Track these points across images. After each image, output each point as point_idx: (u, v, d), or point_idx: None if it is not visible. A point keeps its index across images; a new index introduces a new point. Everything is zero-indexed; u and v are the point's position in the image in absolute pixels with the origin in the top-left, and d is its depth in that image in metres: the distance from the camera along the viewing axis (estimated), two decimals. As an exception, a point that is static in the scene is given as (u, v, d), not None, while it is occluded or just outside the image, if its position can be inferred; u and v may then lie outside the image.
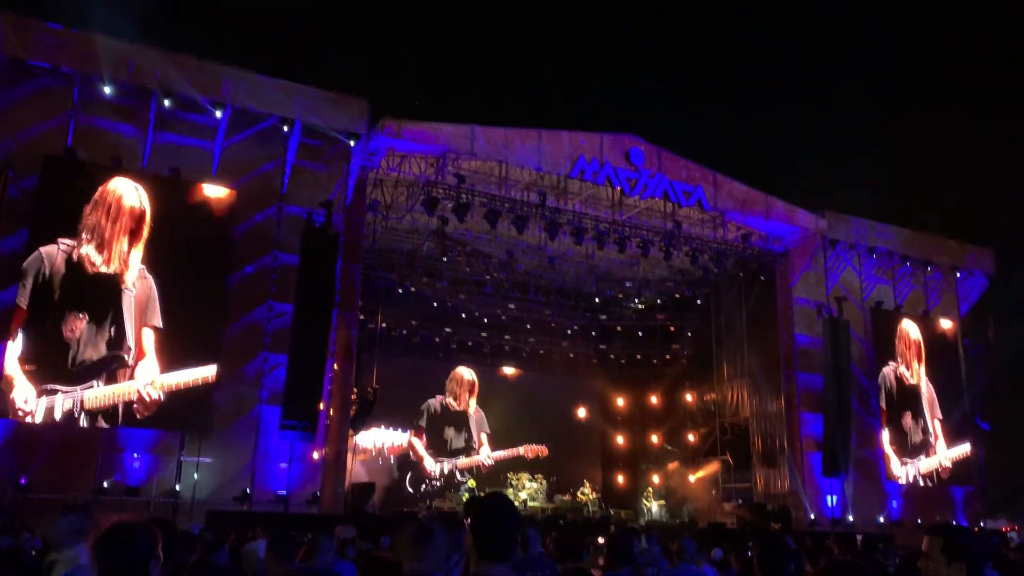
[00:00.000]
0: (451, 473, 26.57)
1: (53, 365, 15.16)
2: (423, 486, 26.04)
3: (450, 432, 27.32)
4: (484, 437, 27.45)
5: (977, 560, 3.30)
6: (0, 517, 11.34)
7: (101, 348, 15.54)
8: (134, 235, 16.17)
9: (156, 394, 15.79)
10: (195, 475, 16.14)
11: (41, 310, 15.21)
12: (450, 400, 27.48)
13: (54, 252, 15.48)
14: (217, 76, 17.28)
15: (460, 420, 27.54)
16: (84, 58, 16.05)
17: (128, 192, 16.30)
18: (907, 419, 24.42)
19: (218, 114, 17.08)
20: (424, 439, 26.68)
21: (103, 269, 15.78)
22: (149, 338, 16.12)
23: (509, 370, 29.31)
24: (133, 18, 16.50)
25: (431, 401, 27.28)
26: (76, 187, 15.96)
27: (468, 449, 27.22)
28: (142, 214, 16.30)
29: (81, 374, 15.32)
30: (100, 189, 16.10)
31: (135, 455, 15.90)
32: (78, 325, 15.38)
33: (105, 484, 15.36)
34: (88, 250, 15.69)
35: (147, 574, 2.95)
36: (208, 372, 16.33)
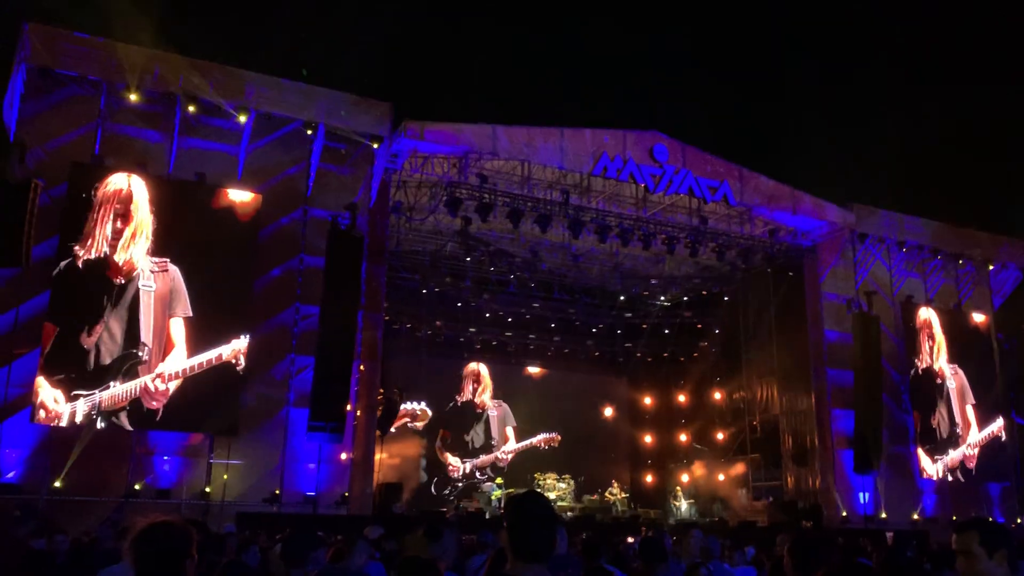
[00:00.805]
0: (471, 472, 26.59)
1: (75, 373, 15.30)
2: (447, 488, 26.09)
3: (472, 430, 27.40)
4: (510, 431, 27.45)
5: (1016, 551, 3.23)
6: (33, 520, 11.50)
7: (115, 349, 15.66)
8: (124, 219, 16.05)
9: (163, 386, 15.82)
10: (224, 477, 16.27)
11: (60, 321, 15.37)
12: (466, 396, 27.58)
13: (68, 261, 15.61)
14: (240, 81, 17.41)
15: (479, 417, 27.61)
16: (110, 66, 16.23)
17: (115, 182, 16.20)
18: (939, 415, 24.06)
19: (242, 119, 17.19)
20: (447, 440, 26.78)
21: (110, 268, 15.83)
22: (179, 328, 16.19)
23: (534, 369, 29.28)
24: (156, 25, 16.65)
25: (453, 401, 27.41)
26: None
27: (488, 447, 27.27)
28: (128, 197, 16.16)
29: (99, 376, 15.43)
30: (95, 191, 16.03)
31: (165, 458, 16.06)
32: (95, 330, 15.51)
33: (136, 487, 15.52)
34: (91, 253, 15.76)
35: (183, 573, 2.96)
36: (225, 351, 16.29)
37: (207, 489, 16.15)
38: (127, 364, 15.73)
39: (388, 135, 18.50)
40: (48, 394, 15.05)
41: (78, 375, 15.31)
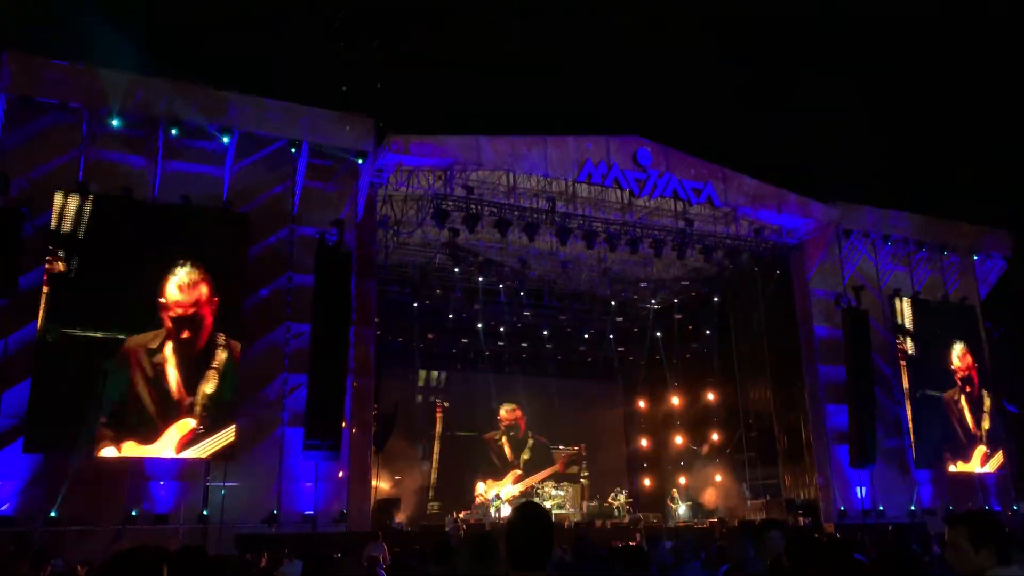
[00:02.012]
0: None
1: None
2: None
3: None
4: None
5: (1005, 544, 3.26)
6: (29, 549, 11.44)
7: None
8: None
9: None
10: (222, 500, 16.19)
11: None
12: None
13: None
14: (222, 102, 17.41)
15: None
16: (91, 92, 16.20)
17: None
18: (932, 405, 24.21)
19: (225, 140, 17.20)
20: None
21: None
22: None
23: (528, 377, 29.29)
24: (136, 49, 16.65)
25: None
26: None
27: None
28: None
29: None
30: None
31: (161, 482, 15.97)
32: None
33: (134, 512, 15.43)
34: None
35: None
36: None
37: (205, 512, 16.06)
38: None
39: (372, 150, 18.54)
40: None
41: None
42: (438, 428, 27.15)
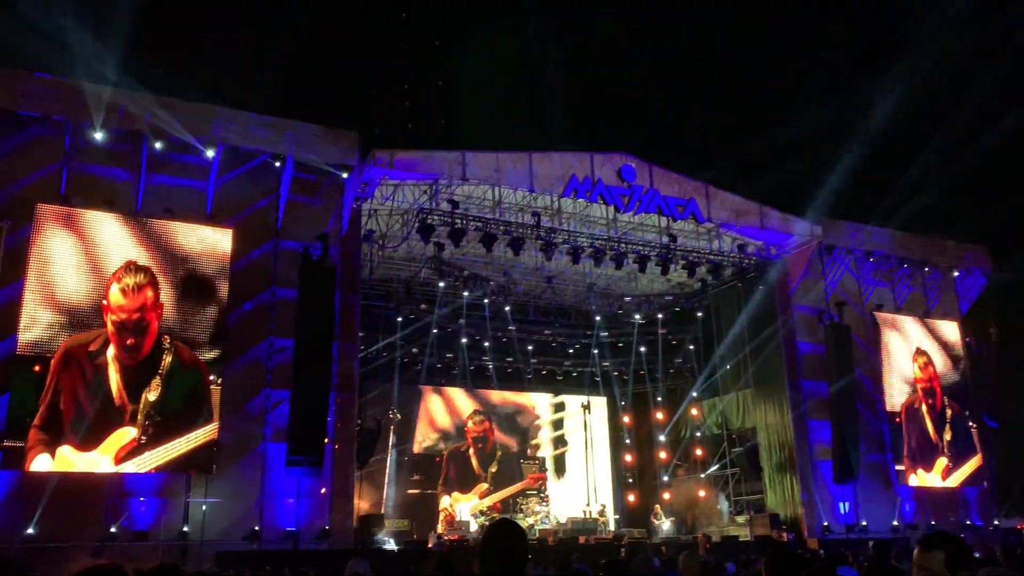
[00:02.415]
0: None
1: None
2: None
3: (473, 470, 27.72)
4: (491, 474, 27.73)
5: (977, 566, 3.27)
6: (7, 567, 11.26)
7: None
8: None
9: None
10: (203, 516, 16.03)
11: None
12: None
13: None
14: (206, 116, 17.36)
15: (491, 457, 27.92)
16: (74, 105, 16.11)
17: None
18: (915, 421, 24.38)
19: (209, 153, 17.15)
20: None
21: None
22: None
23: (513, 392, 29.23)
24: (120, 62, 16.58)
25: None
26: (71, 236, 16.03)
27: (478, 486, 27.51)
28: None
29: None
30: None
31: (141, 499, 15.80)
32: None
33: (113, 530, 15.25)
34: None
35: None
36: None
37: (185, 529, 15.90)
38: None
39: (357, 164, 18.52)
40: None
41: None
42: (391, 440, 26.26)
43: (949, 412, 25.11)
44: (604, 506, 26.84)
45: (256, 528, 16.27)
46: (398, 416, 26.14)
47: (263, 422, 17.02)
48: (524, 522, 23.99)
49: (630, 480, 30.03)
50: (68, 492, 14.96)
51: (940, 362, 25.49)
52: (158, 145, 16.73)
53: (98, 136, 16.33)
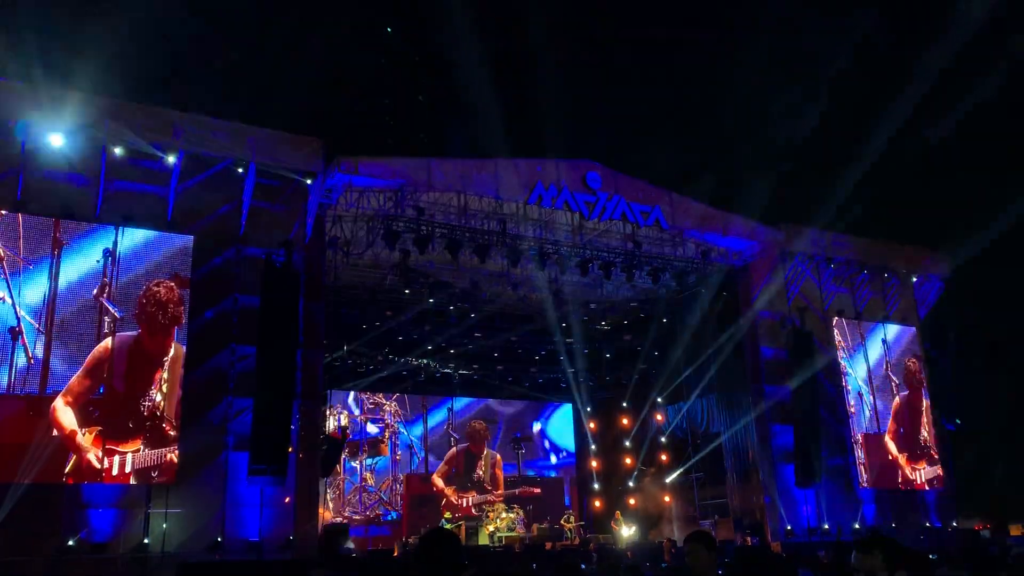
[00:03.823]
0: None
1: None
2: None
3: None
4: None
5: (911, 562, 3.35)
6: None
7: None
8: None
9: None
10: (164, 528, 15.77)
11: None
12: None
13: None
14: (167, 121, 17.11)
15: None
16: (31, 109, 15.79)
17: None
18: (877, 424, 24.77)
19: (170, 159, 16.90)
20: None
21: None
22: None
23: (479, 399, 29.23)
24: (79, 67, 16.31)
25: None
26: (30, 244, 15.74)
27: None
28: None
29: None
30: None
31: (100, 510, 15.50)
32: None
33: (70, 543, 14.93)
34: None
35: None
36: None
37: (146, 541, 15.61)
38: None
39: (321, 170, 18.40)
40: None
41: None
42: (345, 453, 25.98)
43: (908, 415, 25.58)
44: (570, 512, 26.91)
45: (219, 539, 16.03)
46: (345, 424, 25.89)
47: (225, 431, 16.79)
48: (487, 528, 23.94)
49: (595, 486, 30.13)
50: (23, 504, 14.60)
51: (899, 367, 25.96)
52: (117, 151, 16.45)
53: (55, 141, 16.01)
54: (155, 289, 16.65)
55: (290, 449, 16.79)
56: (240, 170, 17.60)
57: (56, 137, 15.96)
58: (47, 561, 14.45)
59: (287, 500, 17.09)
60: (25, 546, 14.45)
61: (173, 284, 16.87)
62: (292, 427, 16.90)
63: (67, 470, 15.24)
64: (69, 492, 15.31)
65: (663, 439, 28.28)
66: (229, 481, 16.53)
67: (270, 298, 17.04)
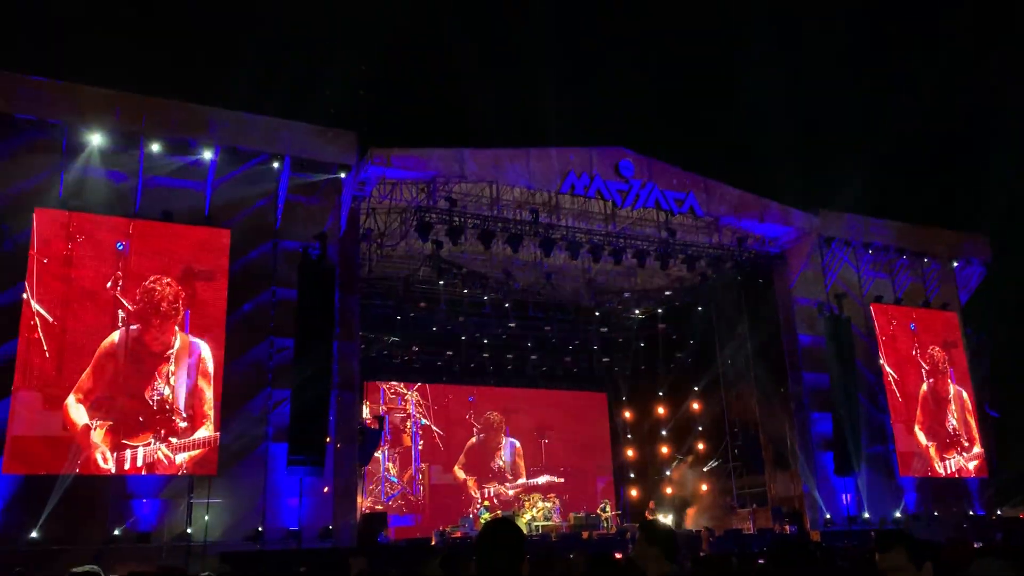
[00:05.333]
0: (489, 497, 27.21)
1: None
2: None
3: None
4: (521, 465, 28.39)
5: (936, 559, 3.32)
6: (10, 571, 11.30)
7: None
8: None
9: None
10: (206, 517, 16.06)
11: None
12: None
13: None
14: (203, 117, 17.37)
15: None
16: (70, 108, 16.13)
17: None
18: (916, 412, 24.39)
19: (207, 155, 17.15)
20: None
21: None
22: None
23: (513, 389, 29.28)
24: (116, 64, 16.58)
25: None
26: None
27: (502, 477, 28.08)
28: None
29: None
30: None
31: (144, 501, 15.83)
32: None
33: (116, 532, 15.28)
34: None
35: None
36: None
37: (188, 530, 15.93)
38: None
39: (355, 163, 18.54)
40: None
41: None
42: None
43: (950, 403, 25.14)
44: (607, 501, 26.89)
45: (259, 528, 16.29)
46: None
47: (265, 422, 17.04)
48: (523, 517, 24.05)
49: (632, 475, 30.07)
50: (71, 495, 14.97)
51: (940, 353, 25.50)
52: (155, 147, 16.74)
53: (94, 139, 16.32)
54: (151, 284, 16.71)
55: (328, 439, 16.98)
56: (275, 164, 17.82)
57: (95, 135, 16.26)
58: (94, 550, 14.78)
59: (325, 490, 17.31)
60: (74, 535, 14.82)
61: (171, 279, 16.85)
62: (330, 418, 17.09)
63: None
64: (115, 483, 15.65)
65: (699, 428, 28.10)
66: (269, 471, 16.78)
67: (306, 291, 17.22)
